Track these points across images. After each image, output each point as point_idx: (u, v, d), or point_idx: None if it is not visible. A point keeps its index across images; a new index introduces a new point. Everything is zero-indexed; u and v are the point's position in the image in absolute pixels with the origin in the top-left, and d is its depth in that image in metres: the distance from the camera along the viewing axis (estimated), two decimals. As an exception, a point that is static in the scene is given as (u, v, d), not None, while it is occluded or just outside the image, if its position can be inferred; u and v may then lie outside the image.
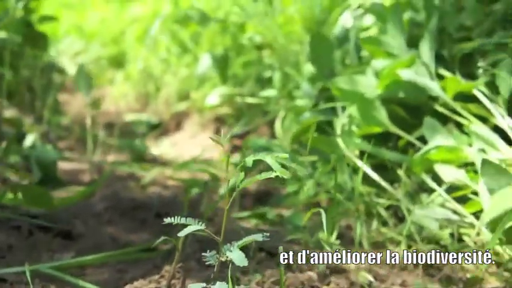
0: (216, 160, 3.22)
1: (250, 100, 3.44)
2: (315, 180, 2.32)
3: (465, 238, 1.89)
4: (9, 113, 3.14)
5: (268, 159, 1.33)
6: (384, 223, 2.10)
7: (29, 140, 2.92)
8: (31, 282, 1.49)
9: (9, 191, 2.13)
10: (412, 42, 2.45)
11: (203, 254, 1.40)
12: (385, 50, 2.42)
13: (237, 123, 3.56)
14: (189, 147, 3.49)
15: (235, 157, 3.20)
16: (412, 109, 2.35)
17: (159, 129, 3.83)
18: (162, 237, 1.42)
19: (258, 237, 1.40)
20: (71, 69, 5.38)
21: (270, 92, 3.17)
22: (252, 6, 3.51)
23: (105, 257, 1.77)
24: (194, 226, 1.36)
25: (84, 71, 3.03)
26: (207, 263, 1.35)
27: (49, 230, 2.00)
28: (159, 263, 1.42)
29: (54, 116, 3.39)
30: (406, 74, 2.24)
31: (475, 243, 1.86)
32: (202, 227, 1.36)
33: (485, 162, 1.67)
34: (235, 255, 1.33)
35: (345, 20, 3.05)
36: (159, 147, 3.47)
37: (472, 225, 1.87)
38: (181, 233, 1.35)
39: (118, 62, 5.49)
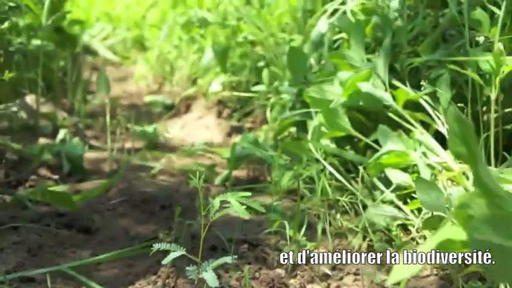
0: (217, 143, 3.29)
1: (243, 94, 3.48)
2: (293, 172, 2.37)
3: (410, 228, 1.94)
4: (46, 108, 3.17)
5: (232, 199, 1.41)
6: (346, 212, 2.15)
7: (61, 134, 2.97)
8: (54, 282, 1.64)
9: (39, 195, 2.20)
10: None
11: (187, 268, 1.48)
12: (348, 63, 2.45)
13: (236, 106, 3.62)
14: (196, 128, 3.57)
15: (234, 137, 3.29)
16: (370, 115, 2.41)
17: (173, 110, 3.83)
18: (156, 246, 1.50)
19: (228, 259, 1.48)
20: (102, 50, 5.42)
21: (259, 87, 3.21)
22: (245, 9, 3.54)
23: (116, 254, 1.87)
24: (176, 253, 1.44)
25: (104, 75, 3.06)
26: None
27: (72, 227, 2.06)
28: (161, 257, 1.47)
29: (83, 106, 3.38)
30: (364, 86, 2.30)
31: (417, 231, 1.94)
32: (183, 251, 1.44)
33: (419, 179, 1.76)
34: (208, 277, 1.42)
35: (321, 26, 3.04)
36: (172, 129, 3.47)
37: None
38: (165, 261, 1.43)
39: (141, 43, 5.52)
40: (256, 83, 3.51)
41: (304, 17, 3.47)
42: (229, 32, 3.72)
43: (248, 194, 1.45)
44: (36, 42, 3.22)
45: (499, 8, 2.19)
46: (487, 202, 0.86)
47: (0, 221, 2.02)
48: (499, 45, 2.08)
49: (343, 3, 3.18)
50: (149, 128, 3.33)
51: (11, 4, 2.94)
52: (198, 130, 3.49)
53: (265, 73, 3.20)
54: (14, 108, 3.08)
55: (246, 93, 3.53)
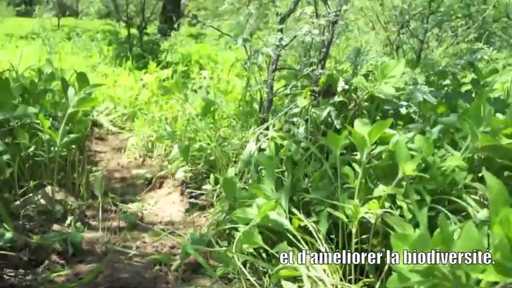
0: (179, 218, 3.36)
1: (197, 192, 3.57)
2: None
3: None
4: (60, 195, 3.23)
5: None
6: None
7: (68, 220, 3.03)
8: None
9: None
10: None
11: None
12: (263, 193, 2.53)
13: (195, 187, 3.70)
14: (166, 203, 3.69)
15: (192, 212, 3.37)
16: (276, 233, 2.47)
17: (151, 184, 3.89)
18: None
19: None
20: (106, 123, 5.43)
21: (208, 187, 3.29)
22: (199, 123, 3.62)
23: None
24: None
25: (100, 178, 3.11)
26: None
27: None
28: None
29: (86, 192, 3.42)
30: (271, 214, 2.39)
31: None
32: None
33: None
34: None
35: (250, 147, 3.11)
36: (148, 204, 3.54)
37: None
38: None
39: (134, 117, 5.55)
40: (208, 171, 3.61)
41: (242, 130, 3.56)
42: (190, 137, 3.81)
43: None
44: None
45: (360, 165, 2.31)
46: None
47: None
48: (356, 201, 2.19)
49: (267, 128, 3.26)
50: (132, 206, 3.40)
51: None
52: (166, 205, 3.61)
53: (212, 177, 3.28)
54: (38, 197, 3.13)
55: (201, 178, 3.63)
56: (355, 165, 2.38)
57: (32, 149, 3.21)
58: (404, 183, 2.26)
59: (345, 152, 2.62)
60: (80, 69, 7.01)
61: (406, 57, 5.09)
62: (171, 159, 3.89)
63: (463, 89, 4.27)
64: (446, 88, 4.14)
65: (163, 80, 6.43)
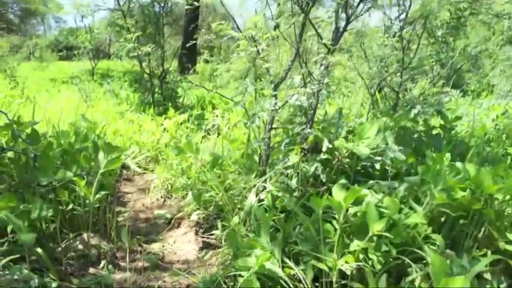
0: (193, 257, 3.45)
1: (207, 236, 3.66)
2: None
3: None
4: (95, 240, 3.35)
5: None
6: None
7: (102, 264, 3.15)
8: None
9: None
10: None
11: None
12: (260, 244, 2.63)
13: (207, 227, 3.80)
14: (183, 242, 3.75)
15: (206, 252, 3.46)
16: (272, 279, 2.55)
17: (170, 223, 4.00)
18: None
19: None
20: (132, 166, 5.55)
21: (217, 232, 3.40)
22: (210, 174, 3.73)
23: None
24: None
25: (126, 229, 3.24)
26: None
27: None
28: None
29: (115, 238, 3.53)
30: (267, 264, 2.47)
31: None
32: None
33: None
34: None
35: (251, 199, 3.20)
36: (168, 244, 3.64)
37: None
38: None
39: (156, 159, 5.68)
40: (218, 214, 3.72)
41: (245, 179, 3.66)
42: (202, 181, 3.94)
43: None
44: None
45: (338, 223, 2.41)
46: None
47: None
48: (335, 255, 2.29)
49: (265, 181, 3.36)
50: (155, 246, 3.52)
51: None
52: (183, 244, 3.70)
53: (219, 225, 3.39)
54: (76, 244, 3.26)
55: (212, 219, 3.74)
56: (334, 222, 2.51)
57: (70, 206, 3.37)
58: (375, 238, 2.38)
59: (327, 210, 2.74)
60: (110, 116, 7.24)
61: (384, 105, 5.23)
62: (186, 203, 4.03)
63: (434, 131, 4.41)
64: (418, 133, 4.27)
65: (181, 124, 6.61)
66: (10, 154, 3.58)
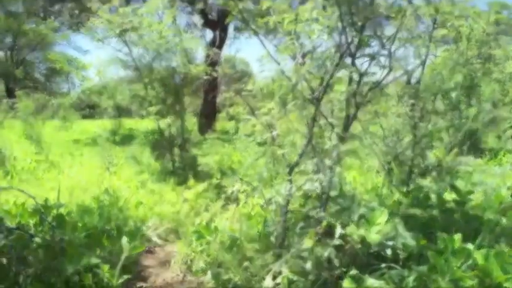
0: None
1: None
2: None
3: None
4: None
5: None
6: None
7: None
8: None
9: None
10: None
11: None
12: None
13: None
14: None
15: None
16: None
17: None
18: None
19: None
20: (154, 237, 5.71)
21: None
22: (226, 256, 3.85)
23: None
24: None
25: None
26: None
27: None
28: None
29: None
30: None
31: None
32: None
33: None
34: None
35: (267, 283, 3.32)
36: None
37: None
38: None
39: (176, 231, 5.83)
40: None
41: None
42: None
43: None
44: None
45: None
46: None
47: None
48: None
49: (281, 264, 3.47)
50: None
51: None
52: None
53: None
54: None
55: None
56: (346, 315, 2.64)
57: (95, 288, 3.57)
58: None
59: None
60: (132, 185, 7.50)
61: (399, 175, 5.37)
62: (206, 281, 4.17)
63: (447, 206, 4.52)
64: (431, 208, 4.39)
65: (200, 193, 6.82)
66: (37, 239, 3.81)
